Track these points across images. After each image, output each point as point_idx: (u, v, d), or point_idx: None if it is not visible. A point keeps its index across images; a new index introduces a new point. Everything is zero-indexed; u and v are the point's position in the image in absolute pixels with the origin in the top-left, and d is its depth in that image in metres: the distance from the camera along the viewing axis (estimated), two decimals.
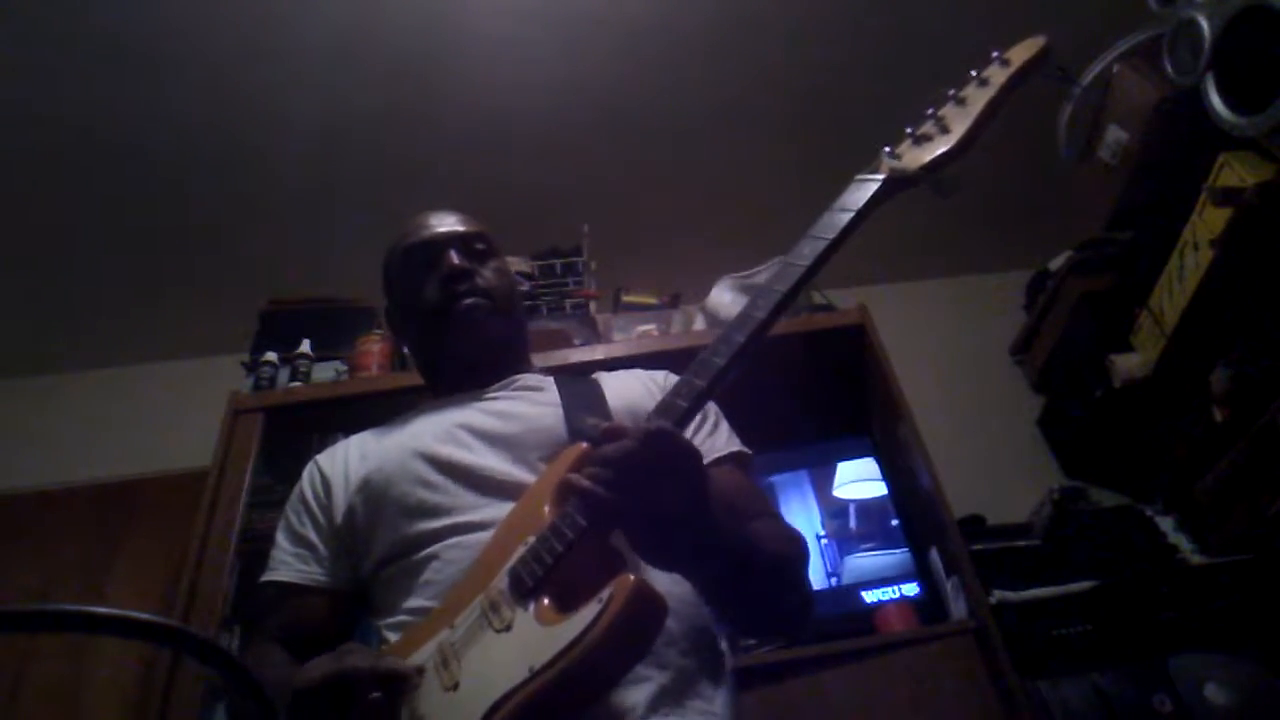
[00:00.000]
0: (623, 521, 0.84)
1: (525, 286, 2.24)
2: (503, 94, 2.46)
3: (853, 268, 2.80)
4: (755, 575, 0.96)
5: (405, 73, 2.38)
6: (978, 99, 0.97)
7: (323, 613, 1.11)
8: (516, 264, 2.29)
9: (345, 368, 2.10)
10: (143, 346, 2.90)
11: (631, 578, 0.79)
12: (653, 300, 2.38)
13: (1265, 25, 1.70)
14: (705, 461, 1.08)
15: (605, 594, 0.79)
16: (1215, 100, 1.82)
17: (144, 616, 0.50)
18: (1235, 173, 1.82)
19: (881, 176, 0.96)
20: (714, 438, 1.16)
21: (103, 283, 2.74)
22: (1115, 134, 2.19)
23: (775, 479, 2.01)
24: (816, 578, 1.86)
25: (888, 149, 0.98)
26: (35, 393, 2.87)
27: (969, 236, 2.98)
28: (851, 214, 0.94)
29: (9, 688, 2.14)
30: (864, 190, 0.96)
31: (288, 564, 1.14)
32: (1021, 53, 0.99)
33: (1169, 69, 1.95)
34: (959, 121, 0.96)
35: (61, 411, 2.80)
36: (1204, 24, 1.82)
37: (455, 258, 1.23)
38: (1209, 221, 1.88)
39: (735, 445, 1.17)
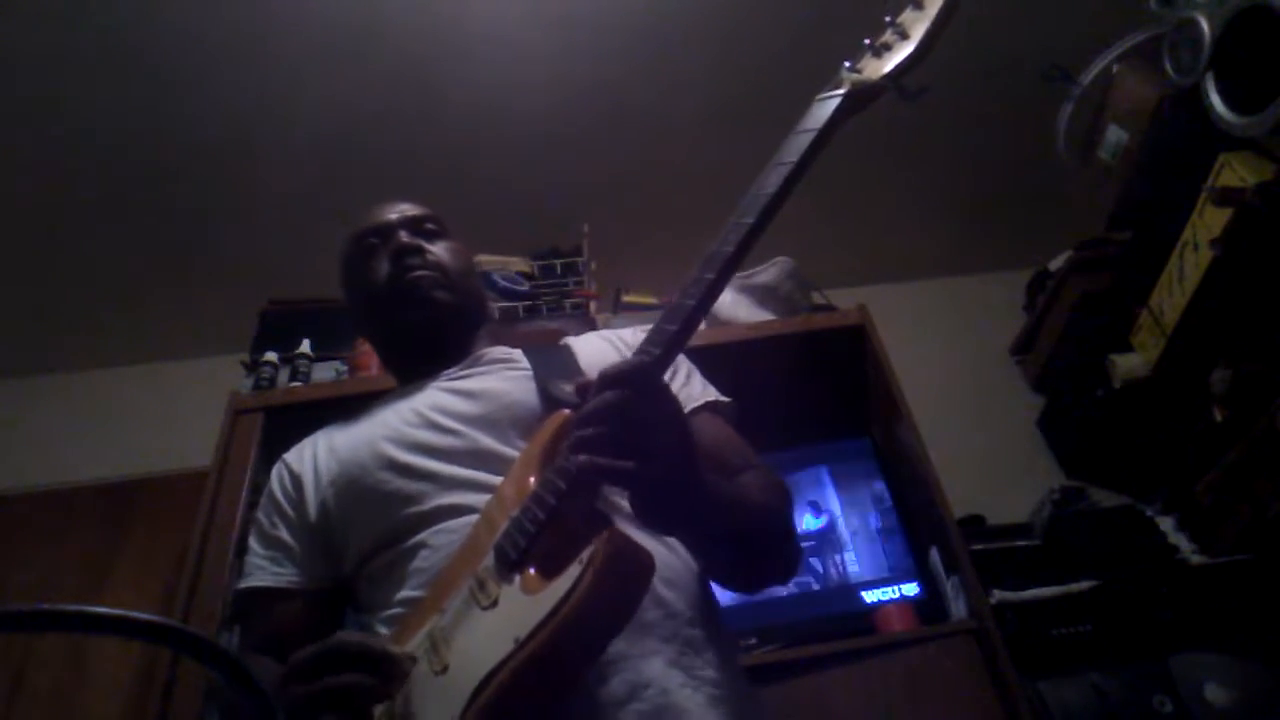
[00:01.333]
0: (619, 479, 0.81)
1: (525, 286, 2.24)
2: (503, 94, 2.46)
3: (853, 268, 2.81)
4: (748, 528, 0.95)
5: (405, 73, 2.39)
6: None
7: (303, 616, 1.08)
8: (517, 264, 2.29)
9: (345, 368, 2.10)
10: (143, 346, 2.90)
11: (613, 532, 0.76)
12: (653, 300, 2.38)
13: (1265, 25, 1.70)
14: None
15: (587, 553, 0.76)
16: (1215, 100, 1.82)
17: (144, 616, 0.50)
18: (1235, 173, 1.82)
19: (843, 91, 0.93)
20: (688, 388, 1.15)
21: (102, 283, 2.73)
22: (1115, 134, 2.19)
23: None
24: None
25: (848, 64, 0.96)
26: (35, 393, 2.87)
27: (969, 236, 2.98)
28: (814, 133, 0.90)
29: (9, 688, 2.14)
30: (825, 108, 0.93)
31: (262, 569, 1.11)
32: None
33: (1169, 69, 1.95)
34: (917, 25, 0.94)
35: (61, 411, 2.80)
36: (1204, 24, 1.82)
37: (405, 235, 1.23)
38: (1209, 221, 1.88)
39: (711, 394, 1.16)
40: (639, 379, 0.80)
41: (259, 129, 2.44)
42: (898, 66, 0.92)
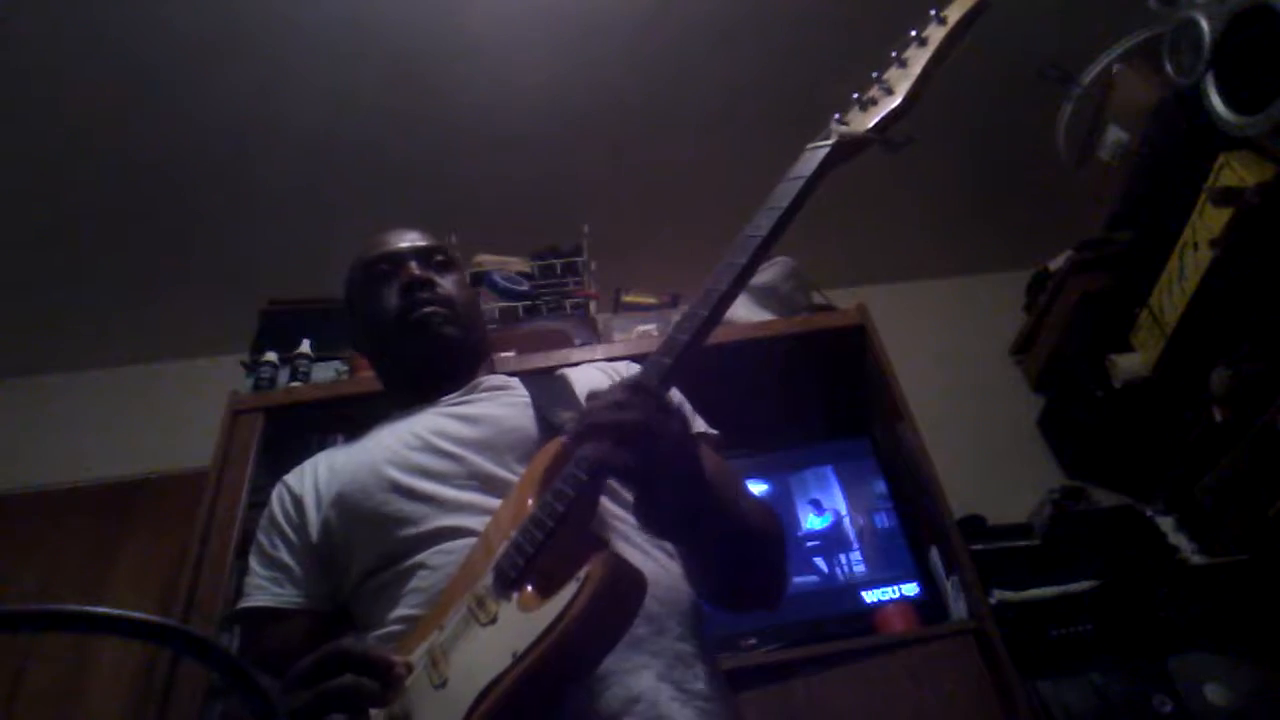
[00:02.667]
0: (619, 475, 0.83)
1: (525, 286, 2.24)
2: (502, 94, 2.46)
3: (853, 268, 2.81)
4: (745, 544, 0.97)
5: (404, 73, 2.39)
6: (918, 58, 1.00)
7: (303, 636, 1.08)
8: (516, 264, 2.29)
9: (345, 368, 2.10)
10: (143, 346, 2.90)
11: (607, 553, 0.80)
12: (653, 300, 2.39)
13: (1265, 25, 1.70)
14: None
15: (582, 572, 0.79)
16: (1215, 100, 1.82)
17: (144, 616, 0.50)
18: (1235, 173, 1.82)
19: (831, 142, 0.99)
20: None
21: (102, 283, 2.73)
22: (1115, 134, 2.19)
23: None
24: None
25: (836, 116, 1.01)
26: (35, 393, 2.87)
27: (969, 236, 2.98)
28: (803, 180, 0.96)
29: (9, 688, 2.14)
30: (814, 157, 0.98)
31: (263, 589, 1.11)
32: (957, 9, 1.01)
33: (1169, 69, 1.95)
34: (902, 82, 0.99)
35: (61, 411, 2.80)
36: (1204, 24, 1.82)
37: (415, 267, 1.25)
38: (1209, 221, 1.88)
39: (700, 426, 1.18)
40: (641, 392, 0.83)
41: (258, 129, 2.44)
42: (882, 120, 0.98)
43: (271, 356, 2.09)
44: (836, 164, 0.98)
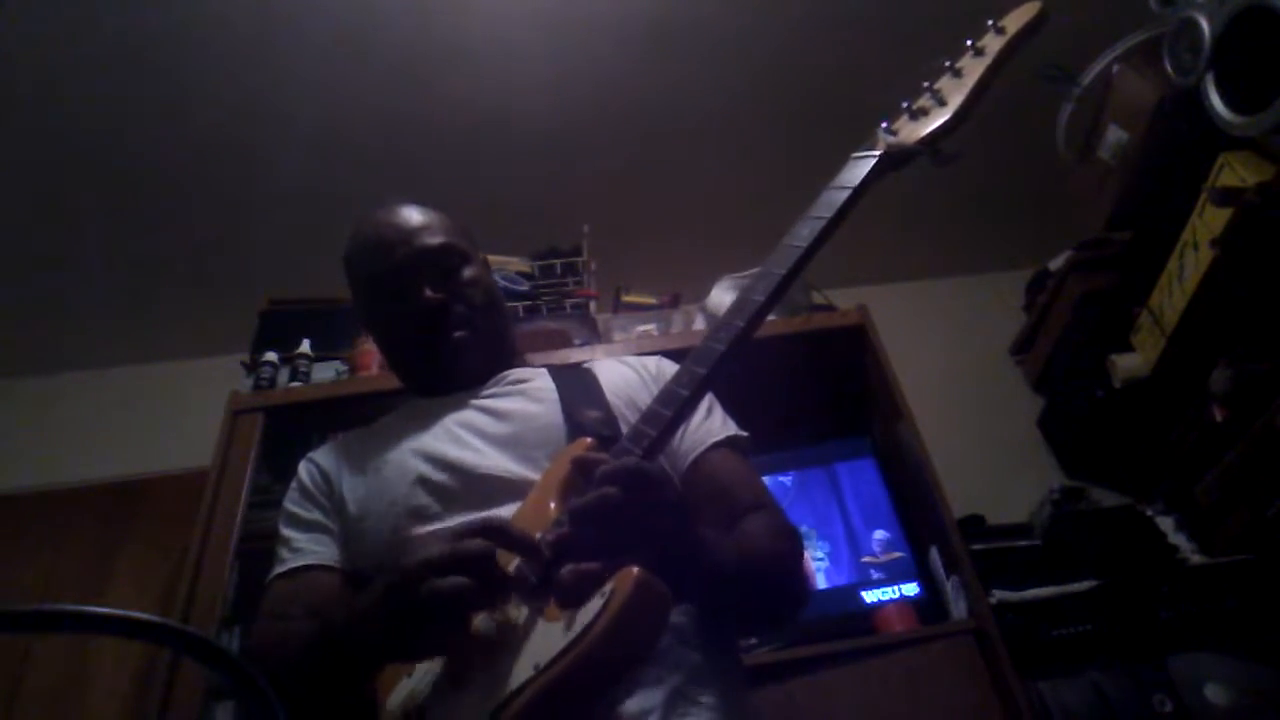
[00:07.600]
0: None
1: (525, 286, 2.24)
2: (503, 94, 2.46)
3: (853, 268, 2.81)
4: (748, 583, 0.95)
5: (405, 73, 2.39)
6: (974, 69, 0.96)
7: (340, 593, 1.05)
8: (516, 264, 2.29)
9: (345, 368, 2.10)
10: (143, 346, 2.90)
11: (634, 570, 0.78)
12: (653, 300, 2.39)
13: (1265, 25, 1.70)
14: (702, 449, 1.10)
15: (608, 588, 0.77)
16: (1215, 100, 1.82)
17: (144, 616, 0.50)
18: (1235, 173, 1.82)
19: (878, 152, 0.94)
20: (709, 422, 1.15)
21: (102, 283, 2.74)
22: (1115, 134, 2.19)
23: None
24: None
25: (884, 125, 0.97)
26: (35, 393, 2.87)
27: (969, 236, 2.98)
28: (849, 191, 0.92)
29: (9, 688, 2.14)
30: (860, 167, 0.94)
31: (302, 550, 1.09)
32: (1017, 19, 0.97)
33: (1169, 69, 1.95)
34: (955, 93, 0.95)
35: (61, 411, 2.80)
36: (1204, 24, 1.82)
37: (429, 291, 1.14)
38: (1209, 221, 1.88)
39: (730, 430, 1.15)
40: (634, 479, 0.81)
41: (259, 129, 2.44)
42: (933, 132, 0.93)
43: (271, 356, 2.09)
44: (883, 174, 0.94)
